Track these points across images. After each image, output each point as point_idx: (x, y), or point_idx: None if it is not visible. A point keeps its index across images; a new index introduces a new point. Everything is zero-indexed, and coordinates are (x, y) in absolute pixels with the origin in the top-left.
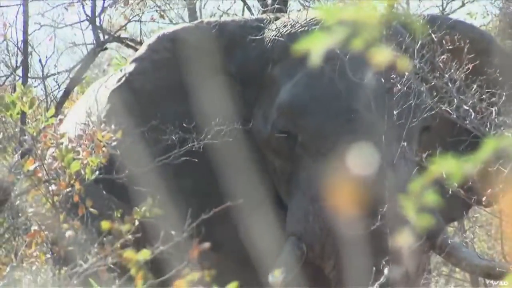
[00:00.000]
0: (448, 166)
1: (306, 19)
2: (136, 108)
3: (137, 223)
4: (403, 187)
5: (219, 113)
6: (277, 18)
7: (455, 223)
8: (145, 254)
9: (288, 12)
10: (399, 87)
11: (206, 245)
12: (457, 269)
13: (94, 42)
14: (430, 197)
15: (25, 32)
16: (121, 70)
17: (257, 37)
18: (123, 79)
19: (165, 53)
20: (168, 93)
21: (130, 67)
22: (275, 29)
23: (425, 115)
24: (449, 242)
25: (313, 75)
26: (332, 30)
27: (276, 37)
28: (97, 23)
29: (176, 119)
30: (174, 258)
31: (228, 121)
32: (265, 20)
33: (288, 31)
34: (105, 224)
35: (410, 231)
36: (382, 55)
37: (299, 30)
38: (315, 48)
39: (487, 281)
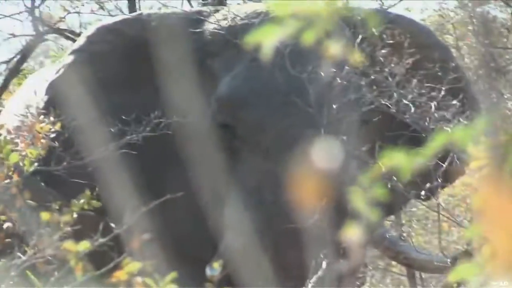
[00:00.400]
0: (398, 161)
1: (246, 12)
2: (74, 99)
3: (75, 215)
4: (344, 181)
5: (158, 105)
6: (217, 11)
7: (392, 217)
8: (84, 246)
9: (228, 5)
10: (339, 81)
11: (147, 236)
12: (393, 263)
13: (33, 33)
14: (378, 191)
15: None
16: (59, 62)
17: (197, 30)
18: (62, 70)
19: (104, 45)
20: (107, 85)
21: (69, 59)
22: (215, 22)
23: (364, 109)
24: (387, 235)
25: (253, 68)
26: (280, 23)
27: (216, 30)
28: (36, 14)
29: (115, 111)
30: (114, 250)
31: (167, 114)
32: (205, 13)
33: (228, 24)
34: (44, 215)
35: (355, 224)
36: (331, 49)
37: (239, 23)
38: (266, 41)
39: (423, 275)
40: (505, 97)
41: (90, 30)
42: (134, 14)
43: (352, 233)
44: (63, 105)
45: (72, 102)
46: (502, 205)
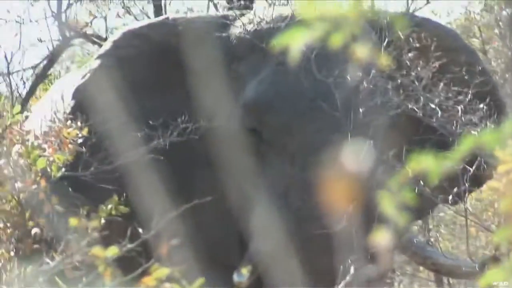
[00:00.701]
0: (427, 164)
1: (271, 16)
2: (102, 104)
3: (103, 221)
4: (372, 185)
5: (186, 110)
6: (242, 15)
7: (420, 221)
8: (113, 251)
9: (254, 9)
10: (366, 85)
11: (175, 241)
12: (421, 268)
13: (60, 38)
14: (407, 195)
15: None
16: (85, 67)
17: (222, 34)
18: (88, 74)
19: (130, 49)
20: (134, 89)
21: (95, 63)
22: (241, 26)
23: (391, 113)
24: (414, 241)
25: (278, 72)
26: (307, 26)
27: (242, 34)
28: (63, 19)
29: (143, 115)
30: (143, 255)
31: (194, 119)
32: (231, 17)
33: (254, 28)
34: (73, 221)
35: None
36: (359, 52)
37: (264, 27)
38: (293, 44)
39: (451, 280)
40: None
41: (116, 35)
42: (160, 18)
43: (381, 238)
44: (89, 109)
45: (99, 107)
46: None
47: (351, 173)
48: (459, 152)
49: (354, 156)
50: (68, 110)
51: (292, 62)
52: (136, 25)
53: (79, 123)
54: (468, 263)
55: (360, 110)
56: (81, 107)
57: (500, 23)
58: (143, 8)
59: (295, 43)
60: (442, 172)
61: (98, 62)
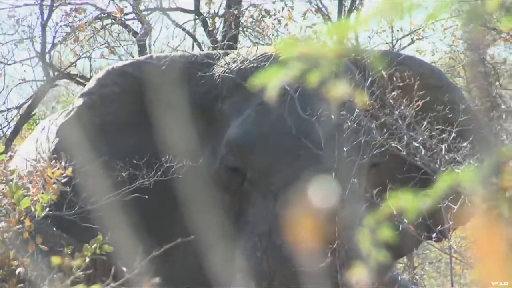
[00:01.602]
0: (404, 202)
1: (255, 55)
2: (85, 142)
3: (87, 259)
4: (354, 223)
5: (169, 149)
6: (226, 54)
7: (405, 259)
8: None
9: (238, 48)
10: (349, 124)
11: (156, 280)
12: None
13: (44, 78)
14: (384, 233)
15: None
16: (69, 106)
17: (206, 73)
18: (72, 113)
19: (114, 87)
20: (117, 128)
21: (79, 101)
22: (225, 65)
23: (374, 152)
24: (398, 279)
25: (262, 111)
26: (286, 65)
27: (226, 73)
28: (47, 60)
29: (126, 154)
30: None
31: (178, 157)
32: (215, 56)
33: (238, 67)
34: (55, 260)
35: (363, 266)
36: (335, 91)
37: (248, 66)
38: (270, 83)
39: None
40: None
41: (100, 73)
42: (144, 57)
43: (360, 275)
44: (73, 148)
45: (82, 145)
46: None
47: (320, 211)
48: (437, 189)
49: (323, 193)
50: (52, 148)
51: (269, 100)
52: (120, 63)
53: (63, 163)
54: None
55: (344, 148)
56: (64, 145)
57: (485, 62)
58: (127, 48)
59: (273, 82)
60: (421, 209)
61: (81, 100)
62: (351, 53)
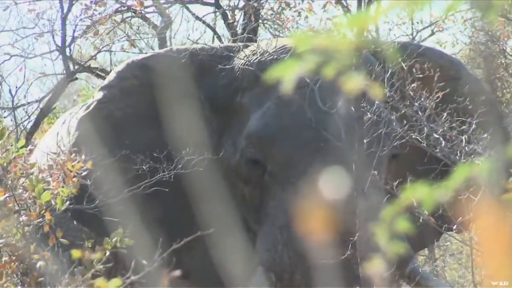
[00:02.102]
0: (420, 193)
1: (275, 47)
2: (105, 136)
3: (108, 253)
4: (374, 215)
5: (189, 141)
6: (246, 47)
7: (426, 251)
8: (116, 283)
9: (257, 41)
10: (369, 116)
11: (177, 273)
12: None
13: (64, 72)
14: (402, 225)
15: None
16: (90, 100)
17: (226, 66)
18: (92, 106)
19: (134, 80)
20: (137, 120)
21: (99, 95)
22: (244, 57)
23: (395, 144)
24: (419, 271)
25: (282, 103)
26: (303, 58)
27: (245, 66)
28: (67, 53)
29: (146, 147)
30: (146, 287)
31: (198, 150)
32: (235, 49)
33: (257, 60)
34: (75, 253)
35: (381, 259)
36: (353, 83)
37: (268, 59)
38: (287, 76)
39: None
40: None
41: (120, 66)
42: (164, 50)
43: (377, 268)
44: (93, 141)
45: (102, 139)
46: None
47: (339, 203)
48: (454, 181)
49: (342, 186)
50: (72, 142)
51: (286, 93)
52: (140, 56)
53: (83, 156)
54: None
55: (364, 140)
56: (84, 139)
57: (506, 53)
58: (148, 41)
59: (289, 74)
60: (438, 201)
61: (101, 93)
62: (370, 45)
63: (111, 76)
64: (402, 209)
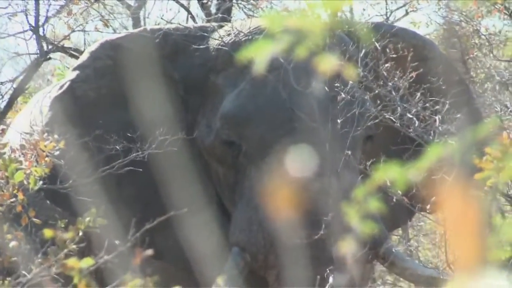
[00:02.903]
0: (392, 174)
1: (249, 28)
2: (79, 116)
3: (81, 233)
4: (347, 195)
5: (163, 122)
6: (221, 27)
7: (399, 231)
8: (88, 262)
9: (231, 21)
10: (343, 96)
11: (149, 252)
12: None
13: (38, 52)
14: (373, 205)
15: None
16: (64, 79)
17: (200, 46)
18: (65, 86)
19: (107, 60)
20: (111, 101)
21: (73, 75)
22: (219, 37)
23: (368, 124)
24: (393, 251)
25: (256, 84)
26: (275, 38)
27: (220, 46)
28: (41, 33)
29: (120, 127)
30: (118, 266)
31: (171, 130)
32: (209, 29)
33: (232, 40)
34: (48, 232)
35: (353, 239)
36: (326, 63)
37: (242, 39)
38: (259, 56)
39: None
40: (510, 109)
41: (93, 46)
42: (137, 29)
43: (349, 248)
44: (67, 121)
45: (76, 118)
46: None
47: (312, 183)
48: (426, 161)
49: (315, 166)
50: (45, 121)
51: (258, 73)
52: (113, 36)
53: (56, 136)
54: (446, 273)
55: (338, 120)
56: (58, 119)
57: (480, 34)
58: (122, 21)
59: (260, 54)
60: (409, 181)
61: (75, 73)
62: (344, 25)
63: (84, 56)
64: (374, 189)
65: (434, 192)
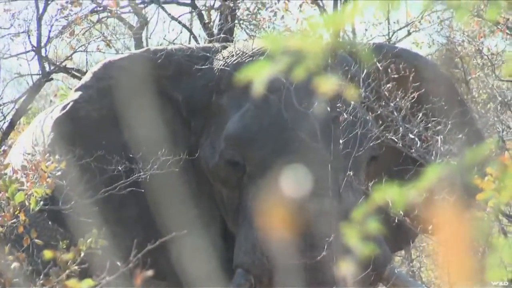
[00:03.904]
0: (392, 194)
1: (252, 48)
2: (81, 136)
3: (82, 254)
4: (349, 217)
5: (165, 143)
6: (224, 47)
7: (402, 252)
8: (88, 283)
9: (234, 41)
10: (345, 116)
11: (149, 273)
12: None
13: (40, 72)
14: (373, 226)
15: None
16: (66, 100)
17: (204, 67)
18: (68, 107)
19: (110, 81)
20: (113, 121)
21: (75, 95)
22: (222, 58)
23: (372, 144)
24: (395, 272)
25: (260, 105)
26: (276, 59)
27: (223, 67)
28: (43, 54)
29: (122, 148)
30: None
31: (174, 151)
32: (212, 49)
33: (235, 61)
34: (47, 254)
35: (353, 260)
36: (328, 84)
37: (246, 60)
38: (258, 77)
39: None
40: None
41: (96, 66)
42: (140, 50)
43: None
44: (69, 141)
45: (78, 139)
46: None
47: (314, 204)
48: (425, 181)
49: (301, 183)
50: (48, 142)
51: (258, 94)
52: (116, 56)
53: (57, 157)
54: None
55: (340, 141)
56: (60, 139)
57: (482, 54)
58: (124, 42)
59: (259, 75)
60: (411, 201)
61: (78, 93)
62: (346, 46)
63: (87, 77)
64: (374, 209)
65: (435, 213)
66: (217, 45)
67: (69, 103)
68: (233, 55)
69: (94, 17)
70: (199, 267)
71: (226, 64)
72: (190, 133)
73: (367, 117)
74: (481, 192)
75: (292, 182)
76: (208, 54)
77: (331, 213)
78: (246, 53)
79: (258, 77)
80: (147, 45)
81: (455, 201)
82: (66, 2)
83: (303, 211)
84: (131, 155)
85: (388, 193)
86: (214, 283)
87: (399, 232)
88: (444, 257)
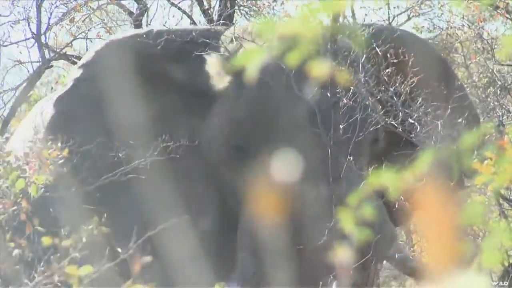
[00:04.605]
0: (386, 179)
1: (253, 33)
2: (83, 114)
3: (84, 240)
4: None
5: (166, 126)
6: (224, 30)
7: (404, 237)
8: (86, 270)
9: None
10: (345, 101)
11: (148, 258)
12: (407, 283)
13: (40, 59)
14: (368, 210)
15: None
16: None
17: (205, 50)
18: (69, 85)
19: (113, 59)
20: (116, 99)
21: (77, 73)
22: (224, 42)
23: (371, 129)
24: (397, 254)
25: (262, 89)
26: (271, 44)
27: (225, 51)
28: (43, 41)
29: (123, 127)
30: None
31: (174, 135)
32: (214, 33)
33: (237, 45)
34: (46, 240)
35: (349, 244)
36: (325, 69)
37: (246, 44)
38: (255, 62)
39: None
40: None
41: (98, 45)
42: (144, 29)
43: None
44: (71, 120)
45: (78, 118)
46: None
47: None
48: (419, 166)
49: (283, 167)
50: (49, 121)
51: (250, 79)
52: (118, 35)
53: (59, 144)
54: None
55: (340, 126)
56: (61, 118)
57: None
58: (124, 28)
59: (253, 61)
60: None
61: (79, 71)
62: (345, 31)
63: (89, 55)
64: (371, 194)
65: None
66: (220, 28)
67: (70, 81)
68: (233, 41)
69: (94, 4)
70: (200, 250)
71: (226, 50)
72: (192, 117)
73: (367, 102)
74: (478, 175)
75: (292, 167)
76: (210, 38)
77: (329, 198)
78: (247, 38)
79: (255, 62)
80: None
81: (444, 184)
82: None
83: (302, 196)
84: (131, 142)
85: (383, 178)
86: (217, 264)
87: (393, 213)
88: (426, 240)
